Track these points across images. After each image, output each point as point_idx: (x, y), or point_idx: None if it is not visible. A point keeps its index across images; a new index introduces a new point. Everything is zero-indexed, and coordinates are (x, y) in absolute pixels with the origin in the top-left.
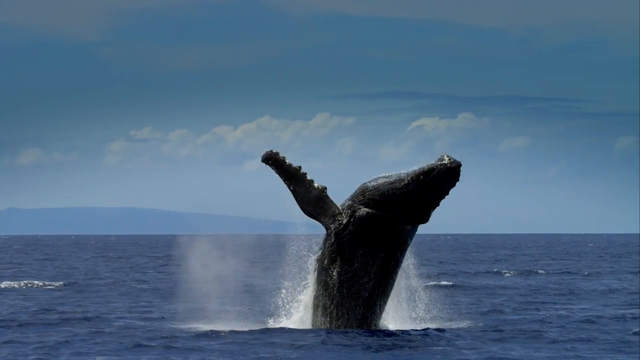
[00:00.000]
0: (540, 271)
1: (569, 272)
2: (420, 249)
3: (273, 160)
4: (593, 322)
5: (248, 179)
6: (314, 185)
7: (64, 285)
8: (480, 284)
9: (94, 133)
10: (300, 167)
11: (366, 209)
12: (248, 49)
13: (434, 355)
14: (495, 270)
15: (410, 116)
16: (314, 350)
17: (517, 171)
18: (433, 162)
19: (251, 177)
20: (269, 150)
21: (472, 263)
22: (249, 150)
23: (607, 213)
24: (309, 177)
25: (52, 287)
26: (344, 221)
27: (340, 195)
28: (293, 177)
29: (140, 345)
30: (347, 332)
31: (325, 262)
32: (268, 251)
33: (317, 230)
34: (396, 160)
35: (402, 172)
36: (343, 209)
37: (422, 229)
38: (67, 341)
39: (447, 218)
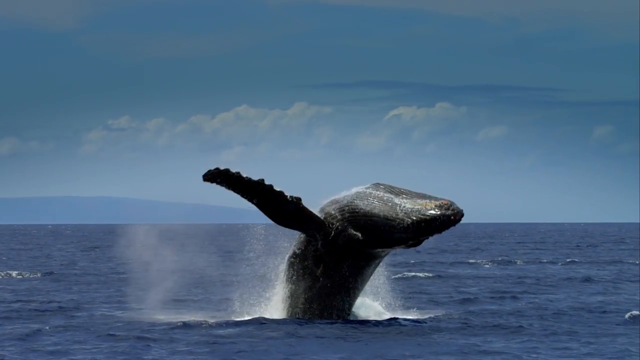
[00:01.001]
0: (517, 261)
1: (546, 262)
2: None
3: (223, 177)
4: (571, 312)
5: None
6: (287, 199)
7: (41, 275)
8: (457, 273)
9: (71, 122)
10: (263, 180)
11: (358, 234)
12: (225, 38)
13: (410, 347)
14: (472, 260)
15: (387, 105)
16: (291, 341)
17: (495, 160)
18: (436, 207)
19: (229, 166)
20: (212, 168)
21: (449, 253)
22: (227, 140)
23: (584, 202)
24: (277, 188)
25: (29, 277)
26: (332, 234)
27: (318, 185)
28: (258, 192)
29: (115, 336)
30: (323, 323)
31: (307, 263)
32: (245, 241)
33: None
34: (373, 149)
35: (395, 199)
36: (328, 220)
37: None
38: (43, 332)
39: None
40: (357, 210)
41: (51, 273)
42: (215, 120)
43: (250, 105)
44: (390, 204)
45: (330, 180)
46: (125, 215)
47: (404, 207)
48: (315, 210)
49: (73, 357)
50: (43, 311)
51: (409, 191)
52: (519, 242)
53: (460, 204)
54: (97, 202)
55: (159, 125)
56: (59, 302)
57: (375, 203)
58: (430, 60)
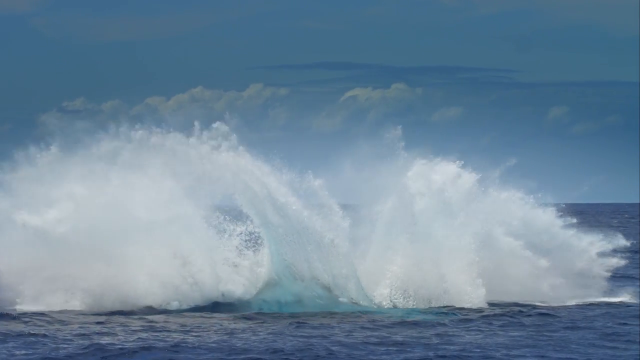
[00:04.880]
0: None
1: None
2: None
3: None
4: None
5: None
6: None
7: None
8: None
9: (26, 104)
10: None
11: None
12: (180, 19)
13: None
14: None
15: (343, 87)
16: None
17: (450, 141)
18: None
19: None
20: None
21: None
22: (182, 122)
23: (539, 183)
24: None
25: None
26: None
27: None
28: None
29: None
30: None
31: None
32: None
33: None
34: (329, 131)
35: None
36: None
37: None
38: None
39: None
40: None
41: None
42: (170, 102)
43: (205, 87)
44: None
45: (286, 163)
46: None
47: None
48: None
49: None
50: None
51: None
52: None
53: None
54: None
55: (114, 107)
56: None
57: None
58: (385, 41)
